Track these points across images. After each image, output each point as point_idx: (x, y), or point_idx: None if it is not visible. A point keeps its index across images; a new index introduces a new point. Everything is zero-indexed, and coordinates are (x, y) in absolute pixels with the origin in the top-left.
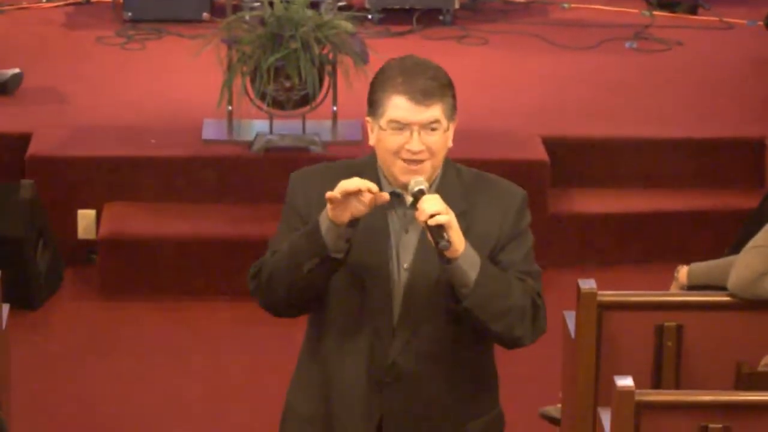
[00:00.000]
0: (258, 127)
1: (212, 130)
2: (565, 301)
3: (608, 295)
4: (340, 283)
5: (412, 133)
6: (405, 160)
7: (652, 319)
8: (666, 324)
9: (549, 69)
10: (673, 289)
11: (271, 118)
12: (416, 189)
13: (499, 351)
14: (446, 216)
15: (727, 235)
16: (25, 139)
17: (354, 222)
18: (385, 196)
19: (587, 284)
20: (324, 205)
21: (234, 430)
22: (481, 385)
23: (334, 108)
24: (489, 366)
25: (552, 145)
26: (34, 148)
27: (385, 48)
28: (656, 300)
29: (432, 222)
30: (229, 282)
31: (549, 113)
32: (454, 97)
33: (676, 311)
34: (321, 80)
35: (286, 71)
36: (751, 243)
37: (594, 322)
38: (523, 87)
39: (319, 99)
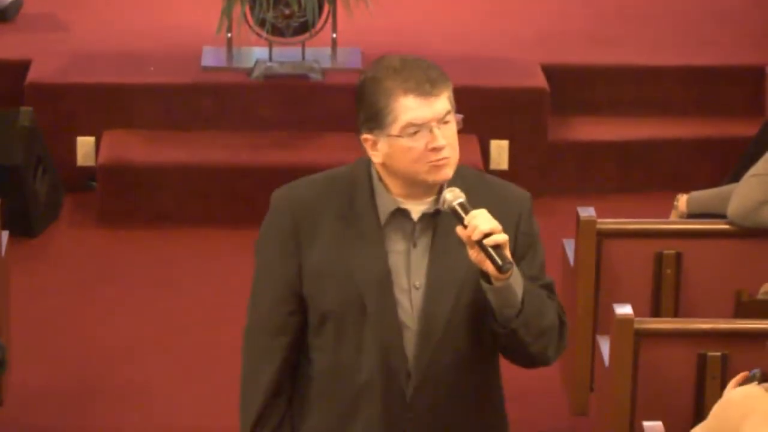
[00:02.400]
0: (257, 54)
1: (211, 57)
2: (564, 229)
3: (607, 223)
4: (339, 309)
5: (431, 131)
6: (430, 162)
7: (652, 247)
8: (665, 252)
9: None
10: (673, 217)
11: (270, 45)
12: (456, 203)
13: None
14: (504, 234)
15: (726, 163)
16: (24, 65)
17: None
18: None
19: (586, 212)
20: (318, 227)
21: (233, 355)
22: (492, 411)
23: (334, 35)
24: (498, 388)
25: (552, 72)
26: (33, 75)
27: None
28: (655, 228)
29: (490, 242)
30: (228, 209)
31: (549, 41)
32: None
33: (675, 239)
34: (320, 7)
35: None
36: (751, 171)
37: (593, 250)
38: (523, 14)
39: (318, 26)
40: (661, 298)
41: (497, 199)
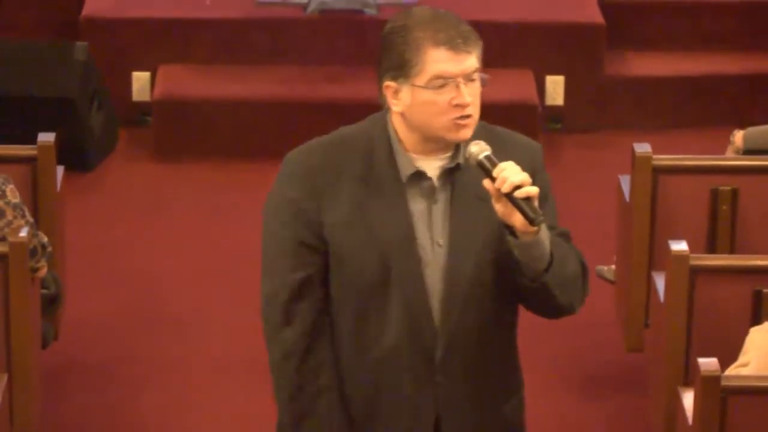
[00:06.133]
0: None
1: None
2: (620, 165)
3: (663, 159)
4: (364, 275)
5: (458, 86)
6: (452, 119)
7: (708, 183)
8: (721, 188)
9: None
10: (729, 153)
11: None
12: (482, 156)
13: None
14: (535, 187)
15: None
16: None
17: None
18: None
19: (642, 148)
20: (339, 189)
21: None
22: (512, 364)
23: None
24: (515, 343)
25: (608, 7)
26: (88, 9)
27: None
28: (712, 164)
29: (520, 194)
30: (282, 143)
31: None
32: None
33: (731, 175)
34: None
35: None
36: None
37: (649, 186)
38: None
39: None
40: (717, 234)
41: (510, 150)
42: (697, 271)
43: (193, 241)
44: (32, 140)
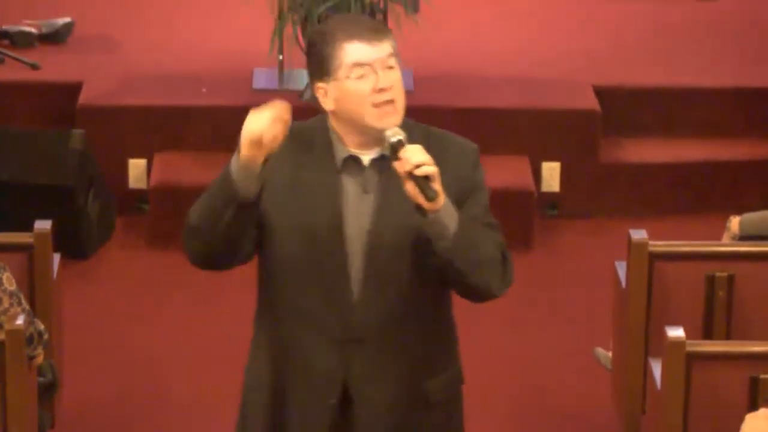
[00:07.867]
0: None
1: (263, 79)
2: (616, 251)
3: (659, 245)
4: (288, 248)
5: (376, 72)
6: (377, 105)
7: (704, 269)
8: (717, 274)
9: (600, 15)
10: (725, 239)
11: None
12: (394, 139)
13: (545, 295)
14: (433, 167)
15: None
16: (75, 88)
17: (265, 160)
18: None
19: (638, 234)
20: (276, 169)
21: None
22: (441, 344)
23: None
24: (448, 323)
25: (603, 93)
26: (85, 97)
27: None
28: (708, 250)
29: (419, 172)
30: None
31: (600, 61)
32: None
33: (727, 261)
34: None
35: None
36: None
37: (645, 273)
38: (575, 35)
39: None
40: (714, 320)
41: (443, 150)
42: (693, 358)
43: (191, 327)
44: (29, 228)
